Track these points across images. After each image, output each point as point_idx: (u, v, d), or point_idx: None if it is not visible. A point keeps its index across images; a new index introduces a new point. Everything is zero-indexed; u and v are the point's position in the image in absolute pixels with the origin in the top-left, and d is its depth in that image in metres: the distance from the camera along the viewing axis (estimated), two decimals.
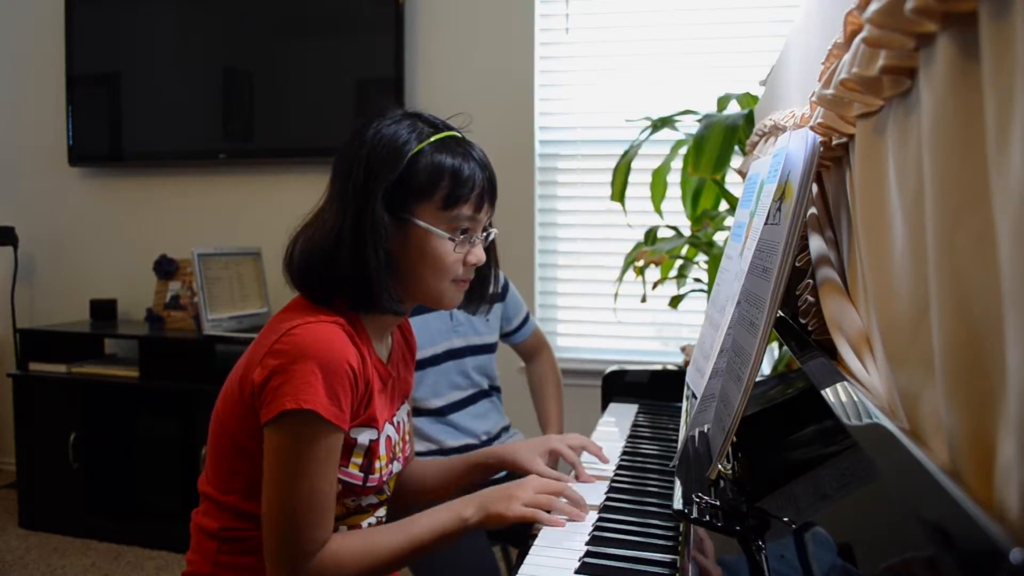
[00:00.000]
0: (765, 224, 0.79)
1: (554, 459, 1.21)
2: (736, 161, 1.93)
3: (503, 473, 1.24)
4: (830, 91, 0.64)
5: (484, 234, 1.07)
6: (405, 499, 1.23)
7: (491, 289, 1.16)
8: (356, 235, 0.98)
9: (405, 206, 1.00)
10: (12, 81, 3.32)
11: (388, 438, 1.07)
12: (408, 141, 1.00)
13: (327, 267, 0.99)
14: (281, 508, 0.94)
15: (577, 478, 1.18)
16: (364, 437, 1.02)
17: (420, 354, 1.67)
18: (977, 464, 0.41)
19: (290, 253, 1.04)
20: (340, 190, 1.01)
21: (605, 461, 1.21)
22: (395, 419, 1.10)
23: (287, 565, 0.94)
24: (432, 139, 1.01)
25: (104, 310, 3.09)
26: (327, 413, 0.92)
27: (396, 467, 1.11)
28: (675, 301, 2.14)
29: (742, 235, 0.91)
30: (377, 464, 1.04)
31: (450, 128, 1.06)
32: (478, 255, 1.05)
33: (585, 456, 1.22)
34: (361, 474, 1.02)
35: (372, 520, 1.11)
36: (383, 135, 1.00)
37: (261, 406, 0.95)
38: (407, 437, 1.16)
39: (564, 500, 1.02)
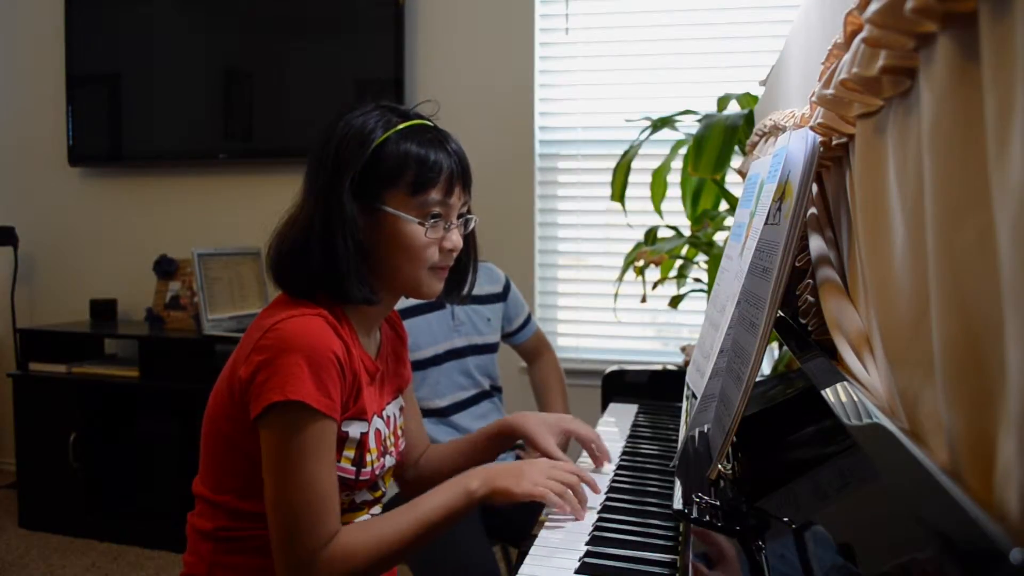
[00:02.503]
0: (765, 224, 0.79)
1: (565, 440, 1.20)
2: (736, 161, 1.93)
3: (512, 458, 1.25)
4: (830, 91, 0.64)
5: (461, 220, 1.07)
6: (428, 483, 1.21)
7: (470, 277, 1.15)
8: (325, 226, 0.98)
9: (374, 195, 1.00)
10: (12, 81, 3.32)
11: (378, 431, 1.06)
12: (374, 130, 1.00)
13: (300, 260, 1.00)
14: (282, 504, 0.93)
15: (595, 462, 1.20)
16: (355, 430, 1.02)
17: (422, 353, 1.67)
18: (977, 464, 0.41)
19: (270, 251, 1.04)
20: (311, 184, 1.02)
21: (608, 460, 1.22)
22: (384, 413, 1.10)
23: (297, 562, 0.93)
24: (399, 127, 1.01)
25: (104, 310, 3.09)
26: (315, 403, 0.92)
27: (389, 461, 1.11)
28: (675, 301, 2.14)
29: (742, 235, 0.91)
30: (368, 457, 1.04)
31: (421, 117, 1.06)
32: (454, 241, 1.04)
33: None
34: (353, 468, 1.02)
35: (366, 518, 1.10)
36: (351, 126, 1.01)
37: (249, 402, 0.95)
38: (399, 432, 1.15)
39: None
